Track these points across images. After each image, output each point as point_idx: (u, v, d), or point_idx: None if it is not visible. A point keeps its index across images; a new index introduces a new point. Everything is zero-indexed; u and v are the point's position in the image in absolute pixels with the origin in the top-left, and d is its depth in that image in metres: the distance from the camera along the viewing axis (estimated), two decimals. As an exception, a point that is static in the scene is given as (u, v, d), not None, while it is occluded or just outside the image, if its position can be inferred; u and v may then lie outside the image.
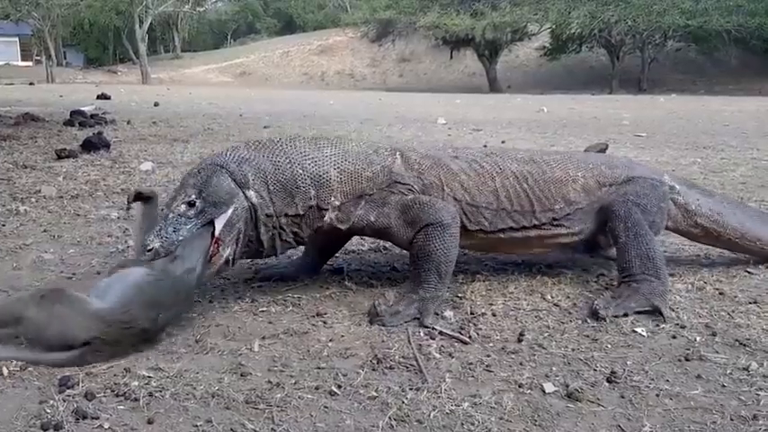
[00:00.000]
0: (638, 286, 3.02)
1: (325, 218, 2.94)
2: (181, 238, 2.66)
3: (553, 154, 3.46)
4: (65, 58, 51.16)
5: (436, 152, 3.23)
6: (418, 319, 2.80)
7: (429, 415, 2.08)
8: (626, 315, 2.89)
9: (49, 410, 2.05)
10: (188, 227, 2.70)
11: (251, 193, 2.81)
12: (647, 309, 2.93)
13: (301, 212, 2.90)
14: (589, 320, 2.86)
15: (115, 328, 2.38)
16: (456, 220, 2.95)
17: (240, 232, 2.80)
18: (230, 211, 2.75)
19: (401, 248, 3.19)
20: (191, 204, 2.72)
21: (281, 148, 2.92)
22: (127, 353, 2.44)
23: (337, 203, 2.94)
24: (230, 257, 2.80)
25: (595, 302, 2.95)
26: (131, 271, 2.56)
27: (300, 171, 2.88)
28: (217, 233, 2.72)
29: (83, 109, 12.40)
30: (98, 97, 18.89)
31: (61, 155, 7.01)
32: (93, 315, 2.37)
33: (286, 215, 2.89)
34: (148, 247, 2.63)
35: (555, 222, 3.23)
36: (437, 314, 2.89)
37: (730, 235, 3.50)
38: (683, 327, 2.81)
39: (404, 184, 3.02)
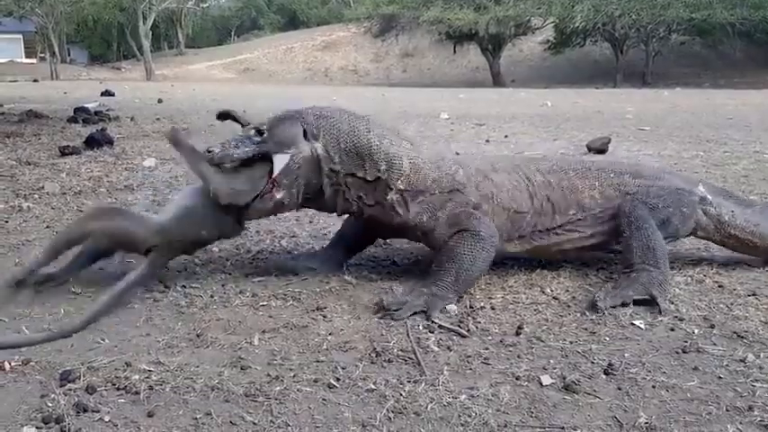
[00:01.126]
0: (636, 276, 3.05)
1: (388, 196, 3.06)
2: (238, 154, 2.94)
3: (580, 163, 3.53)
4: (69, 55, 51.27)
5: (483, 165, 3.34)
6: (425, 311, 2.83)
7: (426, 407, 2.10)
8: (624, 305, 2.92)
9: (50, 404, 2.07)
10: (248, 149, 2.96)
11: (317, 145, 2.99)
12: (644, 297, 2.96)
13: (369, 179, 3.04)
14: (588, 313, 2.87)
15: (169, 240, 2.96)
16: (493, 237, 3.03)
17: (299, 179, 2.99)
18: (289, 156, 2.95)
19: (434, 250, 3.23)
20: (259, 132, 2.99)
21: (364, 120, 3.13)
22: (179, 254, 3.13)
23: (401, 187, 3.05)
24: (286, 200, 3.01)
25: (596, 294, 2.98)
26: (188, 193, 3.12)
27: (377, 143, 3.05)
28: (275, 173, 2.93)
29: (86, 106, 12.43)
30: (102, 94, 18.93)
31: (65, 151, 7.04)
32: (152, 228, 2.95)
33: (353, 175, 3.04)
34: (209, 149, 2.94)
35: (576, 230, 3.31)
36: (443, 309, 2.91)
37: None
38: (681, 319, 2.82)
39: (463, 193, 3.13)
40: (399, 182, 3.05)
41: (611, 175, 3.38)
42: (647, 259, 3.08)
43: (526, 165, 3.40)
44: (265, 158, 2.96)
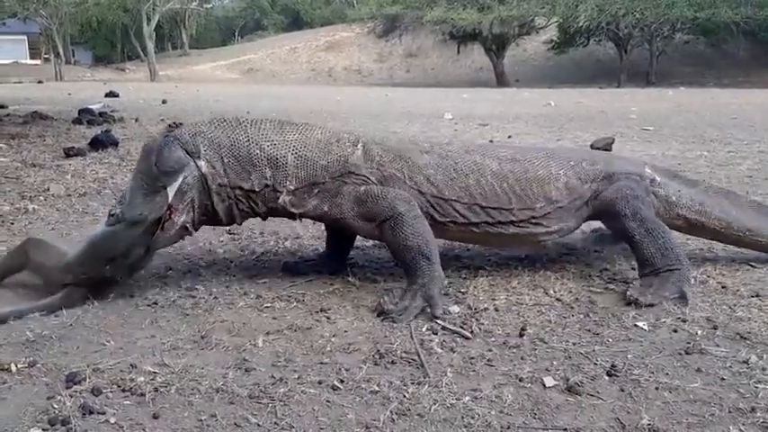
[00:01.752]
0: (667, 275, 3.07)
1: (280, 200, 3.04)
2: (138, 203, 2.90)
3: (534, 151, 3.46)
4: (73, 56, 51.36)
5: (402, 145, 3.29)
6: (428, 308, 2.83)
7: (430, 409, 2.11)
8: (660, 303, 2.95)
9: (56, 406, 2.09)
10: (144, 193, 2.92)
11: (201, 163, 2.96)
12: (677, 296, 2.99)
13: (257, 189, 3.02)
14: (591, 314, 2.88)
15: (77, 276, 2.92)
16: (410, 203, 2.99)
17: (194, 200, 2.97)
18: (180, 179, 2.91)
19: (373, 239, 3.25)
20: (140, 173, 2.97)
21: (242, 127, 3.06)
22: (96, 294, 3.01)
23: (292, 188, 3.03)
24: (187, 224, 3.00)
25: (629, 293, 3.02)
26: (96, 229, 3.12)
27: (257, 151, 3.02)
28: (169, 200, 2.90)
29: (91, 107, 12.46)
30: (106, 95, 18.99)
31: (69, 153, 7.06)
32: (64, 264, 2.92)
33: (241, 188, 3.02)
34: (111, 212, 2.95)
35: (533, 221, 3.25)
36: (445, 305, 2.92)
37: (715, 225, 3.46)
38: (684, 320, 2.82)
39: (358, 175, 3.07)
40: (288, 182, 3.02)
41: (571, 164, 3.35)
42: (669, 260, 3.09)
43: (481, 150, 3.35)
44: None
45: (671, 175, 3.60)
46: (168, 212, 2.91)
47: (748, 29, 32.36)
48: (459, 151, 3.29)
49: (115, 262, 2.93)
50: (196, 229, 3.09)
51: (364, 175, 3.07)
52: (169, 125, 3.08)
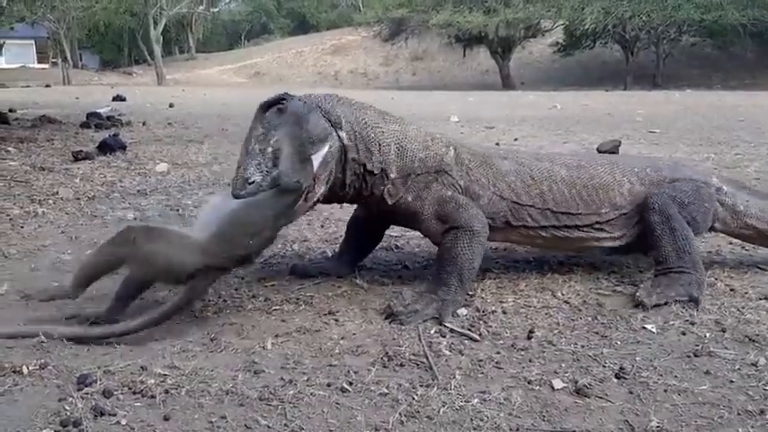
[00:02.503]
0: (676, 277, 3.08)
1: (383, 187, 3.04)
2: (296, 169, 2.73)
3: (600, 158, 3.49)
4: (80, 60, 51.60)
5: (484, 150, 3.33)
6: (437, 318, 2.84)
7: (439, 411, 2.12)
8: (666, 304, 2.97)
9: (67, 408, 2.10)
10: (299, 160, 2.77)
11: (342, 134, 2.92)
12: (684, 299, 3.00)
13: (375, 171, 3.01)
14: (599, 317, 2.89)
15: (218, 257, 2.65)
16: (485, 227, 3.02)
17: (332, 173, 2.90)
18: (326, 149, 2.84)
19: (431, 240, 3.22)
20: (285, 138, 2.79)
21: (357, 107, 3.04)
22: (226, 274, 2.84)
23: (392, 176, 3.04)
24: (320, 197, 2.91)
25: (638, 293, 3.05)
26: (224, 202, 2.76)
27: (372, 134, 3.01)
28: (315, 169, 2.79)
29: (99, 111, 12.52)
30: (114, 99, 19.06)
31: (78, 157, 7.11)
32: (196, 247, 2.62)
33: (364, 166, 2.99)
34: (249, 180, 2.71)
35: (597, 226, 3.29)
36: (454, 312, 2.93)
37: None
38: (692, 323, 2.82)
39: (449, 175, 3.10)
40: (391, 171, 3.03)
41: (636, 170, 3.38)
42: (683, 262, 3.10)
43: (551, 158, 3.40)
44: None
45: (739, 185, 3.59)
46: (313, 182, 2.80)
47: (755, 31, 32.24)
48: (531, 158, 3.35)
49: (259, 236, 2.73)
50: (317, 203, 2.99)
51: (454, 178, 3.11)
52: (283, 95, 2.91)
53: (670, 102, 20.15)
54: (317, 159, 2.79)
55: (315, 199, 2.87)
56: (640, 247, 3.44)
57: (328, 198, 3.05)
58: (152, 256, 2.63)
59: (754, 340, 2.64)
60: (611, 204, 3.29)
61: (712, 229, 3.42)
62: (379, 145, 3.01)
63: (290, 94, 2.95)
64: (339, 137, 2.90)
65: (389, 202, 3.06)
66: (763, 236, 3.48)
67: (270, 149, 2.76)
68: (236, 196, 2.69)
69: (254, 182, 2.69)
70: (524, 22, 36.17)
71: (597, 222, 3.28)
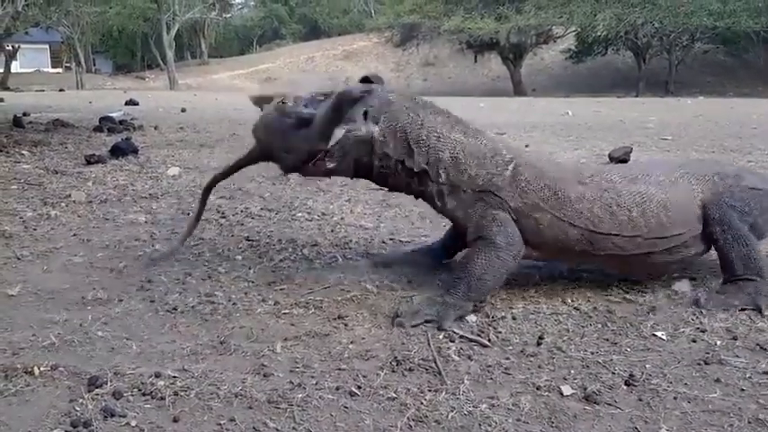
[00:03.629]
0: (743, 285, 3.09)
1: (430, 188, 3.16)
2: (304, 113, 3.15)
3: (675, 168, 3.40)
4: (94, 65, 51.90)
5: (560, 172, 3.24)
6: (436, 321, 2.84)
7: (447, 416, 2.12)
8: (726, 311, 2.98)
9: (78, 409, 2.12)
10: (313, 111, 3.15)
11: (375, 129, 3.09)
12: (749, 307, 3.00)
13: (416, 170, 3.13)
14: (609, 324, 2.88)
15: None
16: (512, 246, 3.00)
17: (350, 155, 3.13)
18: (342, 132, 3.06)
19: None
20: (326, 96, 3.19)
21: (423, 111, 3.19)
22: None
23: (440, 181, 3.13)
24: (338, 169, 3.19)
25: (698, 293, 3.10)
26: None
27: (425, 137, 3.13)
28: (329, 144, 3.06)
29: (111, 115, 12.58)
30: (126, 103, 19.14)
31: (90, 160, 7.14)
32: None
33: (402, 163, 3.12)
34: (283, 99, 3.24)
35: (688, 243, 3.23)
36: (460, 319, 2.92)
37: None
38: (703, 330, 2.81)
39: (496, 195, 3.09)
40: (438, 176, 3.12)
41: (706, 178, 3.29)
42: (750, 270, 3.09)
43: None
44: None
45: None
46: (323, 154, 3.11)
47: (769, 38, 32.12)
48: (623, 182, 3.22)
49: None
50: (350, 177, 3.33)
51: (502, 198, 3.09)
52: (365, 78, 3.25)
53: (682, 109, 20.06)
54: (334, 137, 3.04)
55: (322, 170, 3.17)
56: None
57: (366, 177, 3.30)
58: None
59: (765, 348, 2.62)
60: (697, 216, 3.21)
61: None
62: (428, 148, 3.12)
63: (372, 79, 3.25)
64: (369, 129, 3.08)
65: (438, 205, 3.19)
66: None
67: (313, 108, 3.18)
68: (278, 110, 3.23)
69: (285, 102, 3.22)
70: (536, 29, 36.13)
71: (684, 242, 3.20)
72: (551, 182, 3.12)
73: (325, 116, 3.09)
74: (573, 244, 3.11)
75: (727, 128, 12.92)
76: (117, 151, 7.72)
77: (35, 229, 4.37)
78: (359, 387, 2.31)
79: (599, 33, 33.68)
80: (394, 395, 2.25)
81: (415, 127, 3.13)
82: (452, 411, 2.14)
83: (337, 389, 2.30)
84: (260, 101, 3.53)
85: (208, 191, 3.64)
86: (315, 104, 3.18)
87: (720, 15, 31.44)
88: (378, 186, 3.50)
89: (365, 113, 3.09)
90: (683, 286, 3.31)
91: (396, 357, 2.52)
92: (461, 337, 2.73)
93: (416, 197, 3.32)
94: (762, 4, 30.81)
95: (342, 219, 4.78)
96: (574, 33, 37.35)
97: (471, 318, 2.94)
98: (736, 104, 22.05)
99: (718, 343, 2.69)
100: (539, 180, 3.12)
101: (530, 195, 3.09)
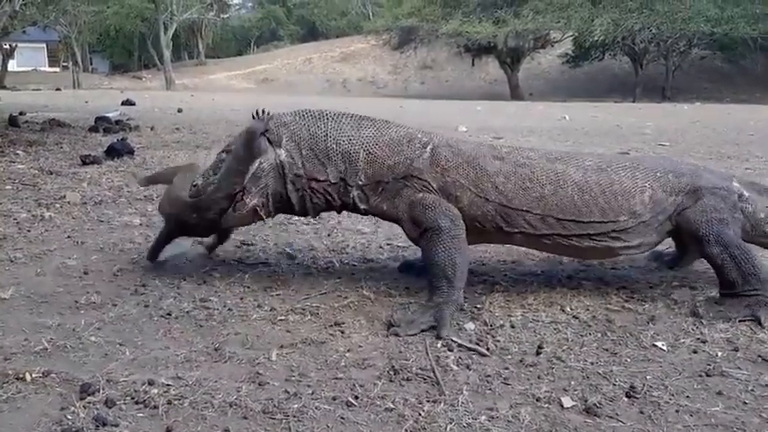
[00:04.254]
0: (742, 298, 3.05)
1: (351, 194, 3.14)
2: (216, 180, 3.19)
3: (621, 160, 3.35)
4: (91, 64, 51.84)
5: (476, 150, 3.21)
6: (435, 327, 2.80)
7: (446, 428, 2.08)
8: (726, 321, 2.95)
9: (69, 417, 2.08)
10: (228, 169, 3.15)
11: (280, 152, 3.11)
12: (748, 318, 2.97)
13: (333, 181, 3.13)
14: (609, 333, 2.85)
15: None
16: (455, 221, 2.98)
17: (267, 186, 3.14)
18: (256, 165, 3.09)
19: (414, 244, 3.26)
20: (228, 152, 3.23)
21: (323, 120, 3.19)
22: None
23: (360, 183, 3.12)
24: (258, 207, 3.17)
25: (697, 302, 3.08)
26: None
27: (334, 145, 3.12)
28: (244, 182, 3.11)
29: (107, 115, 12.52)
30: (123, 103, 19.07)
31: (86, 161, 7.09)
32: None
33: (316, 180, 3.14)
34: (193, 183, 3.28)
35: (613, 234, 3.16)
36: (458, 324, 2.89)
37: None
38: (704, 341, 2.78)
39: (420, 179, 3.08)
40: (358, 178, 3.11)
41: (658, 175, 3.23)
42: (750, 283, 3.04)
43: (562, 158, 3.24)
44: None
45: (760, 189, 3.43)
46: (241, 194, 3.13)
47: (766, 45, 32.15)
48: (540, 159, 3.21)
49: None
50: (270, 215, 3.26)
51: (426, 180, 3.08)
52: (255, 112, 3.19)
53: (679, 114, 20.08)
54: (247, 174, 3.09)
55: (246, 209, 3.16)
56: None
57: (286, 210, 3.29)
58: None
59: (767, 360, 2.59)
60: (630, 212, 3.14)
61: None
62: (340, 155, 3.11)
63: (261, 113, 3.20)
64: (275, 153, 3.12)
65: (363, 208, 3.16)
66: None
67: (217, 161, 3.28)
68: (196, 193, 3.28)
69: (196, 185, 3.28)
70: (534, 33, 36.16)
71: (613, 231, 3.15)
72: (470, 158, 3.13)
73: (236, 157, 3.13)
74: (488, 221, 3.10)
75: (725, 134, 12.92)
76: (112, 152, 7.67)
77: (29, 231, 4.32)
78: (356, 397, 2.27)
79: (596, 38, 33.74)
80: (392, 406, 2.21)
81: (321, 139, 3.14)
82: (451, 423, 2.11)
83: (334, 399, 2.26)
84: (149, 181, 3.84)
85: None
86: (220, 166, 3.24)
87: (718, 21, 31.51)
88: (301, 217, 3.48)
89: (269, 140, 3.14)
90: (682, 295, 3.29)
91: (393, 366, 2.48)
92: (460, 345, 2.70)
93: (340, 210, 3.30)
94: (759, 10, 30.85)
95: (338, 223, 4.75)
96: (571, 38, 37.40)
97: (470, 326, 2.90)
98: (734, 111, 22.09)
99: (720, 354, 2.65)
100: (457, 157, 3.13)
101: (450, 173, 3.09)
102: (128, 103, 19.29)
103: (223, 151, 3.32)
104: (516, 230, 3.12)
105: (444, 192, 3.08)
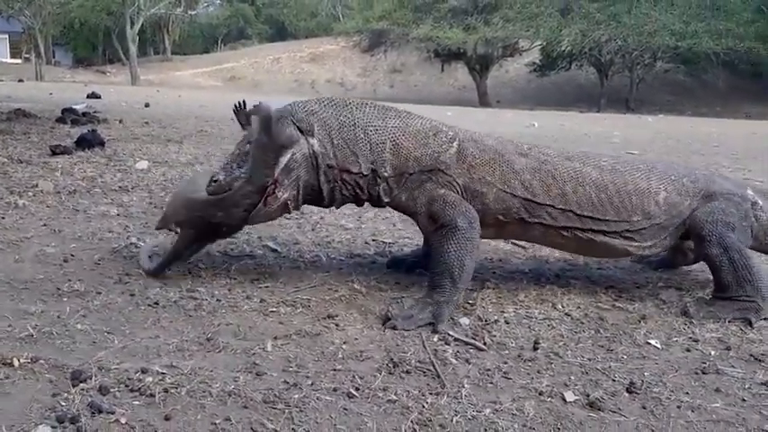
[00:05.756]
0: (734, 302, 3.07)
1: (379, 186, 3.04)
2: (243, 172, 2.98)
3: (636, 163, 3.37)
4: (54, 57, 50.78)
5: (499, 145, 3.19)
6: (432, 324, 2.77)
7: (452, 420, 2.05)
8: (715, 322, 2.98)
9: (63, 403, 2.00)
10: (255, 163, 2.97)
11: (314, 141, 2.96)
12: (738, 319, 3.00)
13: (365, 173, 3.01)
14: (602, 331, 2.85)
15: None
16: (473, 223, 2.94)
17: (300, 178, 2.98)
18: (289, 155, 2.92)
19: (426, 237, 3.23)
20: (249, 144, 3.02)
21: (349, 109, 3.06)
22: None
23: (386, 175, 3.03)
24: (289, 201, 3.01)
25: (687, 304, 3.09)
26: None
27: (362, 135, 3.00)
28: (275, 175, 2.91)
29: (74, 107, 12.26)
30: (88, 96, 18.69)
31: (56, 151, 6.90)
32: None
33: (348, 171, 3.00)
34: (213, 178, 3.03)
35: (627, 234, 3.18)
36: (452, 319, 2.86)
37: None
38: (696, 340, 2.80)
39: (445, 173, 3.02)
40: (384, 170, 3.03)
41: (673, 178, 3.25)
42: (744, 291, 3.06)
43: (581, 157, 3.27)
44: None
45: None
46: (273, 187, 2.93)
47: (728, 60, 32.85)
48: (560, 157, 3.23)
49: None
50: (297, 208, 3.12)
51: (452, 176, 3.03)
52: (253, 106, 3.08)
53: (644, 125, 20.41)
54: (278, 165, 2.91)
55: (278, 204, 2.97)
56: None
57: (314, 202, 3.14)
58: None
59: (760, 360, 2.62)
60: (644, 213, 3.16)
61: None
62: (370, 145, 3.00)
63: (265, 103, 3.05)
64: (309, 143, 2.96)
65: (386, 201, 3.08)
66: None
67: (239, 153, 3.05)
68: (217, 189, 3.02)
69: (217, 180, 3.01)
70: (503, 41, 36.44)
71: (628, 230, 3.17)
72: (496, 154, 3.11)
73: (260, 146, 2.95)
74: (512, 214, 3.09)
75: (690, 145, 13.16)
76: (83, 142, 7.48)
77: (3, 218, 4.18)
78: (357, 388, 2.23)
79: (564, 48, 34.14)
80: (394, 397, 2.18)
81: (350, 128, 3.02)
82: (456, 415, 2.08)
83: (334, 390, 2.21)
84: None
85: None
86: (246, 159, 3.02)
87: (682, 36, 32.13)
88: (324, 208, 3.34)
89: (300, 129, 2.97)
90: (670, 296, 3.31)
91: (392, 359, 2.45)
92: (456, 339, 2.67)
93: (361, 203, 3.18)
94: (722, 26, 31.57)
95: (321, 218, 4.69)
96: (539, 47, 37.78)
97: (464, 320, 2.88)
98: (696, 123, 22.53)
99: (713, 353, 2.67)
100: (484, 153, 3.10)
101: (477, 170, 3.06)
102: (93, 96, 18.92)
103: (241, 143, 3.09)
104: (537, 221, 3.12)
105: (469, 188, 3.04)
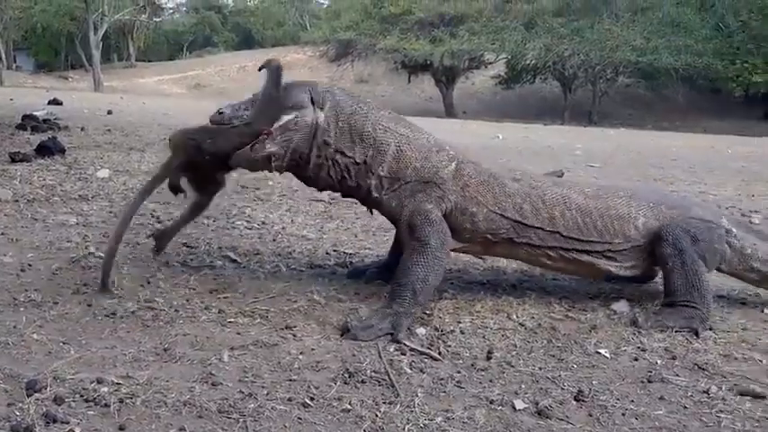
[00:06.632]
0: (681, 309, 3.16)
1: (370, 180, 3.16)
2: (246, 115, 3.15)
3: (618, 190, 3.53)
4: (15, 62, 49.90)
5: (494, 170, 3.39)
6: (391, 334, 2.82)
7: (404, 428, 2.10)
8: (663, 331, 3.07)
9: (18, 413, 2.00)
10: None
11: (320, 114, 3.10)
12: (684, 329, 3.09)
13: (357, 161, 3.13)
14: (554, 340, 2.93)
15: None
16: (444, 245, 3.07)
17: (292, 141, 3.10)
18: (291, 116, 3.08)
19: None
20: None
21: (367, 105, 3.26)
22: None
23: (381, 174, 3.15)
24: (274, 157, 3.11)
25: (636, 313, 3.21)
26: None
27: (370, 129, 3.16)
28: (272, 127, 3.06)
29: (35, 113, 12.08)
30: (50, 102, 18.38)
31: (15, 158, 6.82)
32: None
33: (343, 154, 3.13)
34: (220, 111, 3.21)
35: (608, 255, 3.35)
36: (409, 329, 2.91)
37: None
38: (644, 350, 2.89)
39: (440, 188, 3.17)
40: (381, 168, 3.15)
41: (651, 204, 3.41)
42: (691, 297, 3.16)
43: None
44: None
45: (747, 228, 3.67)
46: (265, 137, 3.05)
47: (687, 75, 33.59)
48: (548, 183, 3.42)
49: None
50: (280, 170, 3.21)
51: (444, 191, 3.16)
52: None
53: (606, 138, 20.74)
54: (278, 122, 3.06)
55: (262, 154, 3.08)
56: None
57: (296, 172, 3.25)
58: None
59: (703, 368, 2.71)
60: (624, 236, 3.33)
61: (718, 269, 3.47)
62: (374, 140, 3.15)
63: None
64: (315, 114, 3.10)
65: (374, 197, 3.19)
66: (765, 278, 3.53)
67: (253, 99, 3.24)
68: (219, 121, 3.20)
69: (223, 113, 3.19)
70: (469, 54, 36.80)
71: (609, 251, 3.34)
72: (491, 177, 3.29)
73: (267, 96, 3.12)
74: (501, 235, 3.26)
75: (650, 158, 13.42)
76: (43, 150, 7.40)
77: (-42, 226, 4.13)
78: (312, 398, 2.26)
79: (528, 62, 34.66)
80: (348, 407, 2.21)
81: (360, 118, 3.18)
82: (409, 424, 2.12)
83: (289, 400, 2.25)
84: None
85: (135, 207, 3.45)
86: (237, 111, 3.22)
87: (643, 51, 32.79)
88: (305, 185, 3.41)
89: (312, 100, 3.13)
90: (621, 307, 3.40)
91: (347, 369, 2.49)
92: (412, 349, 2.72)
93: (345, 193, 3.33)
94: (682, 42, 32.30)
95: (283, 228, 4.72)
96: (504, 60, 38.22)
97: (421, 331, 2.93)
98: (656, 137, 22.96)
99: (659, 362, 2.76)
100: (480, 175, 3.27)
101: (470, 189, 3.22)
102: (55, 102, 18.60)
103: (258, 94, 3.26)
104: (525, 241, 3.28)
105: (460, 206, 3.19)
